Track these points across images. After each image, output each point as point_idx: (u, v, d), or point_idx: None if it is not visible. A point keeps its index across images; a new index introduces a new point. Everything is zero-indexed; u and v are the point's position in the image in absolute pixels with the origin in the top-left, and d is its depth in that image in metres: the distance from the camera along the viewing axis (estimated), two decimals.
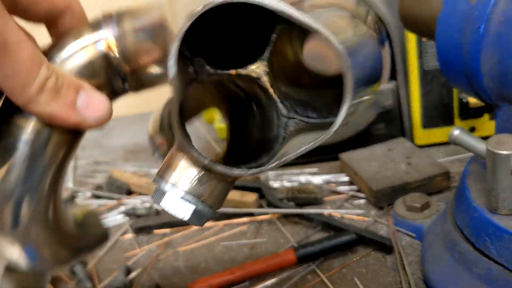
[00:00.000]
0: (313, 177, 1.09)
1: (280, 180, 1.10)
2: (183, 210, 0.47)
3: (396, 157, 1.04)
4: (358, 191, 1.01)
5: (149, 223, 1.00)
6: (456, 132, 0.67)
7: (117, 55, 0.45)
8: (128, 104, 1.72)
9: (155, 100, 1.75)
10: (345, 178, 1.07)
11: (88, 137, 1.68)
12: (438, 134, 1.13)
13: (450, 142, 0.68)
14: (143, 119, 1.73)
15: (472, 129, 1.11)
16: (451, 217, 0.73)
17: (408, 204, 0.87)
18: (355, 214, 0.95)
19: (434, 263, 0.74)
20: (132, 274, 0.87)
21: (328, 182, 1.07)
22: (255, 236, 0.94)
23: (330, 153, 1.15)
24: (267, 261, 0.82)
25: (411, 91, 1.09)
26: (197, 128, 1.47)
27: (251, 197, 0.99)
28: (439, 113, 1.11)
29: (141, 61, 0.46)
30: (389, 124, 1.12)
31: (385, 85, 1.10)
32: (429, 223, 0.84)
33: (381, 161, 1.03)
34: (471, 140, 0.65)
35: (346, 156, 1.07)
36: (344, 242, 0.83)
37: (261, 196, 1.01)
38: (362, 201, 0.99)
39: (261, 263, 0.81)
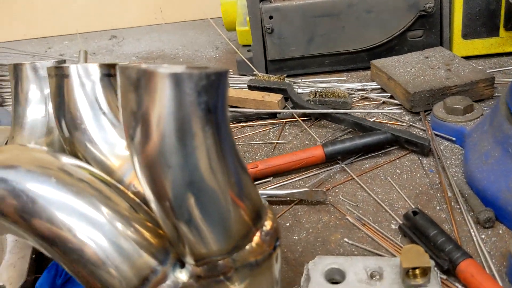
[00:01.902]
0: (341, 85, 1.01)
1: (306, 87, 1.02)
2: None
3: (434, 64, 0.95)
4: (391, 97, 0.93)
5: None
6: None
7: None
8: (141, 15, 1.64)
9: (166, 11, 1.65)
10: (376, 86, 0.99)
11: (100, 45, 1.60)
12: (479, 45, 1.04)
13: None
14: (156, 30, 1.65)
15: None
16: (505, 108, 0.65)
17: (448, 106, 0.80)
18: (387, 118, 0.88)
19: (481, 162, 0.67)
20: None
21: (357, 90, 0.99)
22: (277, 138, 0.88)
23: (360, 61, 1.07)
24: (293, 155, 0.75)
25: None
26: (219, 35, 1.38)
27: (275, 97, 0.92)
28: (482, 22, 1.01)
29: None
30: (428, 30, 1.03)
31: None
32: (472, 126, 0.76)
33: (418, 67, 0.94)
34: None
35: (378, 62, 0.99)
36: (378, 141, 0.76)
37: (286, 99, 0.94)
38: (395, 107, 0.91)
39: (286, 158, 0.75)
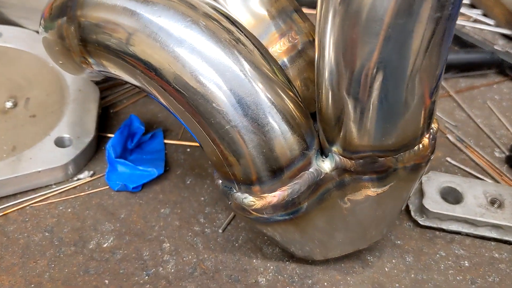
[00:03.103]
0: None
1: None
2: None
3: None
4: (484, 15, 0.85)
5: None
6: None
7: None
8: None
9: None
10: (465, 1, 0.89)
11: None
12: None
13: None
14: None
15: None
16: None
17: None
18: (479, 38, 0.80)
19: None
20: None
21: None
22: None
23: None
24: None
25: None
26: None
27: None
28: None
29: None
30: None
31: None
32: None
33: None
34: None
35: None
36: (483, 60, 0.69)
37: None
38: (486, 26, 0.83)
39: None
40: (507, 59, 0.70)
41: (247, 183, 0.37)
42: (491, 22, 0.83)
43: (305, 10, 0.83)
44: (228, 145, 0.36)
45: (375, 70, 0.31)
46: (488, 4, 0.84)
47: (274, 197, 0.37)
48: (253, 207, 0.38)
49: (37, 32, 0.65)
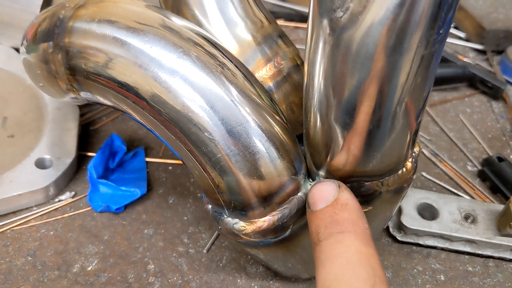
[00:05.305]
0: None
1: None
2: None
3: (505, 3, 0.89)
4: (456, 28, 0.88)
5: None
6: None
7: None
8: None
9: None
10: None
11: None
12: None
13: None
14: None
15: None
16: None
17: None
18: (451, 50, 0.82)
19: None
20: None
21: None
22: None
23: None
24: None
25: None
26: None
27: None
28: None
29: None
30: None
31: None
32: None
33: (489, 2, 0.88)
34: None
35: None
36: (456, 74, 0.71)
37: None
38: (457, 40, 0.85)
39: None
40: (477, 73, 0.72)
41: (238, 209, 0.38)
42: (462, 34, 0.86)
43: (282, 23, 0.84)
44: (219, 173, 0.36)
45: (363, 101, 0.32)
46: (459, 17, 0.86)
47: (264, 222, 0.38)
48: (244, 232, 0.38)
49: (13, 48, 0.64)
